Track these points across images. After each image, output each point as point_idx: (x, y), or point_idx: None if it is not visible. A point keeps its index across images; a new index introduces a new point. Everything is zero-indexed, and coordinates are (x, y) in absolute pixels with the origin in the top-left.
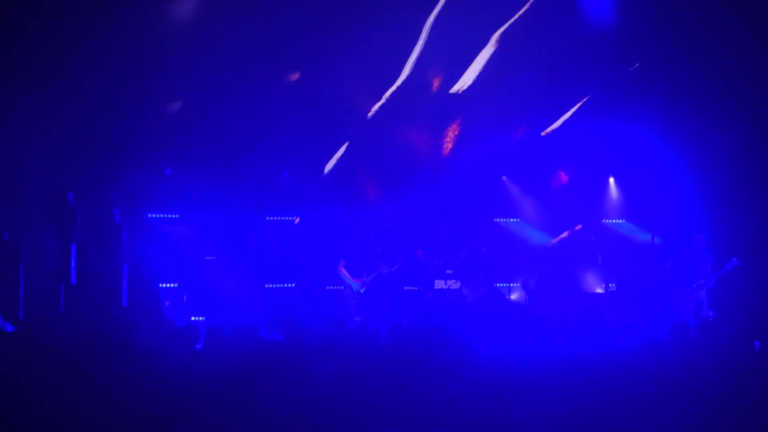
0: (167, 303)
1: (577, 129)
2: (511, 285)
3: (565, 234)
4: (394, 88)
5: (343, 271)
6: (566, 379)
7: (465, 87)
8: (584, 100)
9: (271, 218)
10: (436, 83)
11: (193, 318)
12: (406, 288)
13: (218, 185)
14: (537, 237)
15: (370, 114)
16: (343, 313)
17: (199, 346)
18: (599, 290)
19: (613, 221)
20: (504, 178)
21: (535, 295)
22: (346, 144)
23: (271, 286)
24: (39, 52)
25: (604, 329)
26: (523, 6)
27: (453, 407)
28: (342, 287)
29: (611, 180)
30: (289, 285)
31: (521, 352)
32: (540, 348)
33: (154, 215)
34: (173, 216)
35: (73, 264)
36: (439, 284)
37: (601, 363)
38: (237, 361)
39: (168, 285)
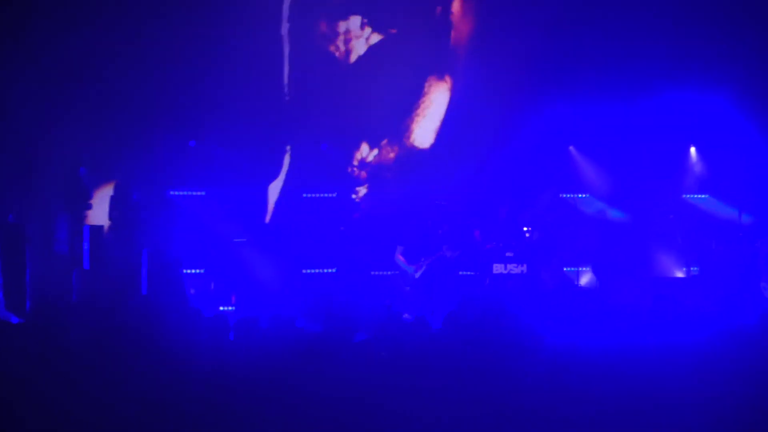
0: (192, 291)
1: (652, 94)
2: (580, 269)
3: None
4: None
5: (400, 258)
6: (642, 371)
7: None
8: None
9: (309, 195)
10: None
11: (221, 308)
12: (461, 273)
13: (249, 159)
14: (609, 214)
15: None
16: (391, 301)
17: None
18: (679, 274)
19: (695, 196)
20: (571, 148)
21: (607, 280)
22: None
23: (309, 271)
24: (47, 23)
25: (685, 317)
26: None
27: (515, 402)
28: (392, 272)
29: (692, 150)
30: (330, 270)
31: (592, 342)
32: (613, 338)
33: (176, 192)
34: (198, 193)
35: (86, 247)
36: (498, 269)
37: (682, 354)
38: (272, 356)
39: (193, 271)
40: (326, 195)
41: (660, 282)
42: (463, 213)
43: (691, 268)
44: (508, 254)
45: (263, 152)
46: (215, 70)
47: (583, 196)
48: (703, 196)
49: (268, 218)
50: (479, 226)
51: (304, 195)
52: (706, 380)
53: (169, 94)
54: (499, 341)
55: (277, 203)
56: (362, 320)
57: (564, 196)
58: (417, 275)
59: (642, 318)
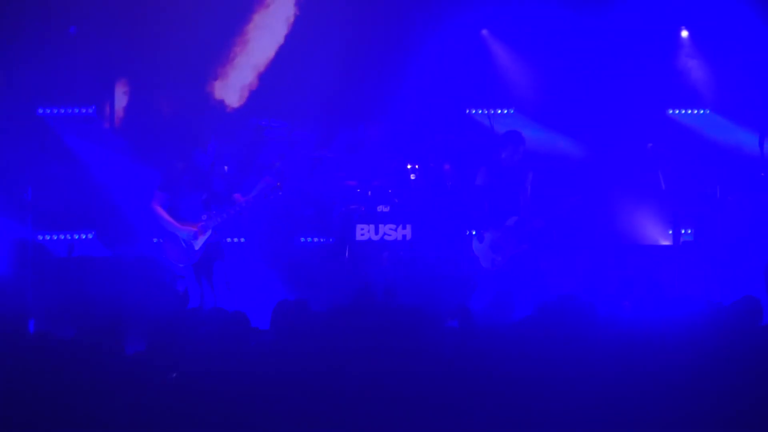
0: None
1: None
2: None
3: None
4: None
5: (159, 210)
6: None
7: None
8: None
9: (47, 111)
10: None
11: None
12: (303, 239)
13: None
14: (546, 141)
15: None
16: (184, 287)
17: None
18: (663, 241)
19: (689, 112)
20: (485, 32)
21: (544, 252)
22: None
23: (47, 237)
24: None
25: (668, 308)
26: None
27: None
28: (160, 240)
29: (684, 34)
30: (85, 236)
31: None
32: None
33: None
34: None
35: None
36: (363, 232)
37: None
38: None
39: None
40: (79, 110)
41: (630, 253)
42: (296, 135)
43: (682, 230)
44: (380, 208)
45: None
46: None
47: (506, 111)
48: (700, 111)
49: None
50: (332, 162)
51: (40, 111)
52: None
53: None
54: (374, 347)
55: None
56: (135, 318)
57: (472, 112)
58: (197, 244)
59: (597, 313)
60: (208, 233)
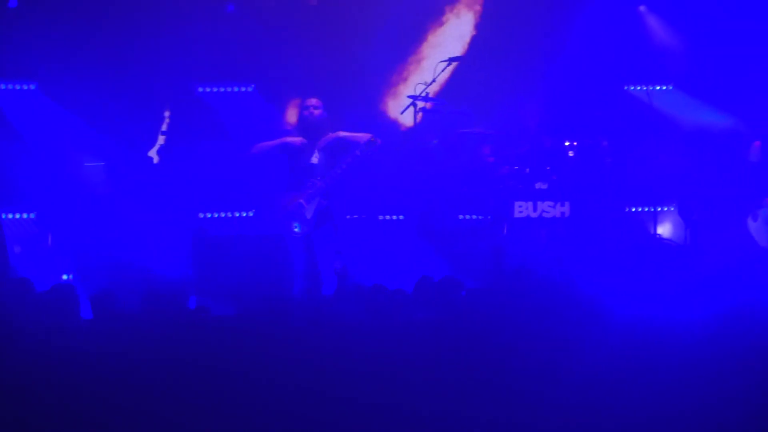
0: (17, 249)
1: None
2: (658, 209)
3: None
4: None
5: (262, 145)
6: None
7: None
8: None
9: (206, 89)
10: None
11: (66, 276)
12: (460, 216)
13: (102, 31)
14: (709, 119)
15: None
16: (343, 262)
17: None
18: None
19: None
20: (642, 8)
21: (703, 228)
22: None
23: (208, 215)
24: None
25: None
26: None
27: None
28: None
29: None
30: (244, 214)
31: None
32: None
33: None
34: (23, 87)
35: None
36: (522, 209)
37: None
38: (150, 356)
39: (16, 216)
40: (236, 89)
41: None
42: (453, 112)
43: None
44: (539, 185)
45: (126, 21)
46: None
47: (664, 88)
48: None
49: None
50: (490, 139)
51: (200, 89)
52: None
53: None
54: (525, 327)
55: (153, 101)
56: (291, 295)
57: (630, 89)
58: (308, 213)
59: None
60: (317, 200)
